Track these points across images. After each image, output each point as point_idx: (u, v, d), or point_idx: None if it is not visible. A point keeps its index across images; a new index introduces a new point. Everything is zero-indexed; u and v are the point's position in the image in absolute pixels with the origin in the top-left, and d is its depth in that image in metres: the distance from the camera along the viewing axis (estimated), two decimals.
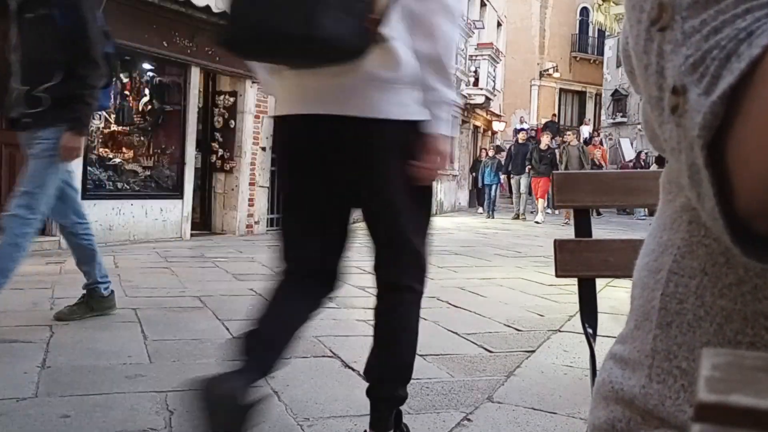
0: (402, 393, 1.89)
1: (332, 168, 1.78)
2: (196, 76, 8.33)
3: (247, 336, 1.73)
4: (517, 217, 14.59)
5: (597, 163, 15.71)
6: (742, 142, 0.36)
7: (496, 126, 22.83)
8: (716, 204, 0.38)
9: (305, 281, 1.83)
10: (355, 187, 1.81)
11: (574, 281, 1.06)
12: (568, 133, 16.05)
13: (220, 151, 9.09)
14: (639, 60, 0.45)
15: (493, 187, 15.76)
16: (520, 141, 15.30)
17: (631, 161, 19.84)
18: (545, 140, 14.13)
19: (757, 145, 0.35)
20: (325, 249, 1.87)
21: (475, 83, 19.14)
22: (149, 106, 8.04)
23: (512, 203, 15.84)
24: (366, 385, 1.87)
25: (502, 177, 15.80)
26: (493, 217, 15.04)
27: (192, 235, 8.29)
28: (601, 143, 19.32)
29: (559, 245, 1.08)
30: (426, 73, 1.71)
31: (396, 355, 1.86)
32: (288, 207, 1.91)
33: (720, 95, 0.36)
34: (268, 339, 1.75)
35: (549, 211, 15.25)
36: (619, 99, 26.26)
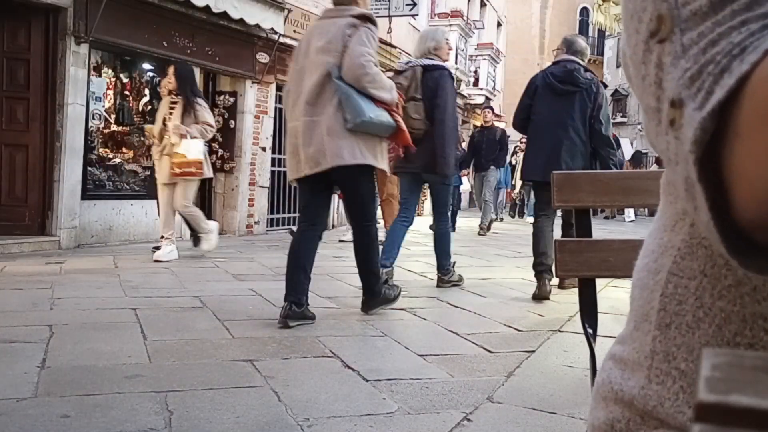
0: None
1: None
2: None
3: None
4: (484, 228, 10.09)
5: None
6: (734, 155, 0.36)
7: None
8: (710, 219, 0.38)
9: None
10: None
11: (574, 281, 1.06)
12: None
13: (220, 151, 9.08)
14: (636, 70, 0.45)
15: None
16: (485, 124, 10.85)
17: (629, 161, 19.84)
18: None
19: (747, 157, 0.35)
20: None
21: (475, 83, 19.15)
22: (149, 106, 8.03)
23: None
24: (365, 384, 1.87)
25: (464, 175, 10.36)
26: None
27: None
28: None
29: (559, 245, 1.08)
30: None
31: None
32: None
33: (709, 111, 0.36)
34: None
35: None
36: (619, 99, 26.26)
